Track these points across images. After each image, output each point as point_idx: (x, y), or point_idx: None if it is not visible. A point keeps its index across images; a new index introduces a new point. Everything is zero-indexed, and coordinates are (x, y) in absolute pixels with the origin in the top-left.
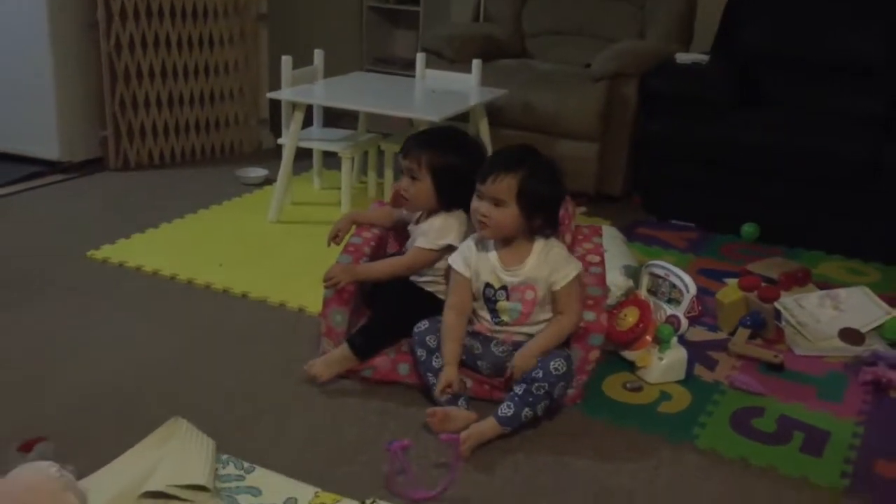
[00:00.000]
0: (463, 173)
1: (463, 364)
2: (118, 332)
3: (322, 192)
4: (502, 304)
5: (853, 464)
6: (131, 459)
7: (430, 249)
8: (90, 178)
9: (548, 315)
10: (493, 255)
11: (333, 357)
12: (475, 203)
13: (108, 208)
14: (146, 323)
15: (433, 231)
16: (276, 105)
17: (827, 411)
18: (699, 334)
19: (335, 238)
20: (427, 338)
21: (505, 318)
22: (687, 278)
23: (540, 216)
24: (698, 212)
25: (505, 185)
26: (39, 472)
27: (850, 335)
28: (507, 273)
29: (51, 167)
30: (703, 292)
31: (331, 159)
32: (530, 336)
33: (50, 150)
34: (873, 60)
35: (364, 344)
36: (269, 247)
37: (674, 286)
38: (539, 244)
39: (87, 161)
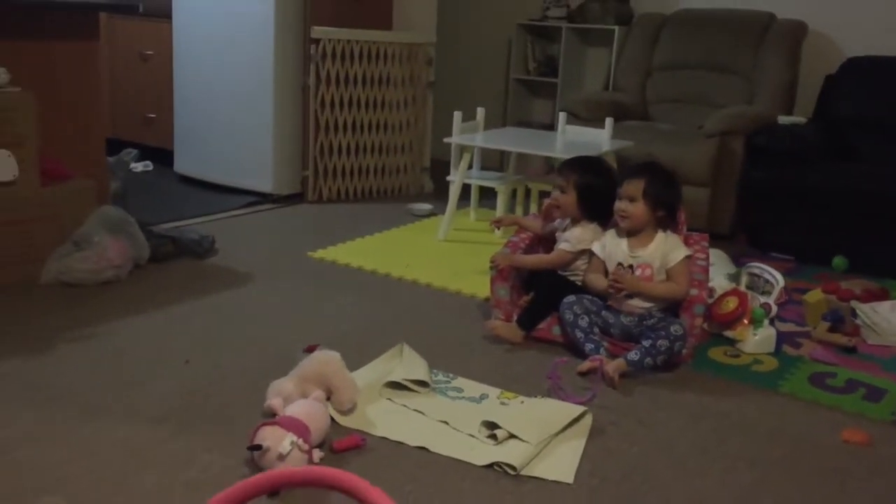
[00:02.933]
0: (599, 190)
1: (601, 331)
2: (341, 304)
3: (477, 223)
4: None
5: None
6: (375, 365)
7: (570, 252)
8: (293, 207)
9: None
10: (623, 242)
11: (508, 328)
12: (617, 203)
13: (313, 228)
14: (360, 300)
15: (574, 239)
16: (435, 157)
17: (888, 378)
18: (788, 328)
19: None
20: (574, 306)
21: None
22: (777, 274)
23: (662, 209)
24: (795, 246)
25: (634, 186)
26: (331, 353)
27: None
28: (632, 254)
29: (263, 198)
30: (793, 303)
31: (483, 200)
32: (648, 308)
33: (265, 184)
34: None
35: (527, 321)
36: (441, 256)
37: (767, 281)
38: (660, 235)
39: (290, 195)
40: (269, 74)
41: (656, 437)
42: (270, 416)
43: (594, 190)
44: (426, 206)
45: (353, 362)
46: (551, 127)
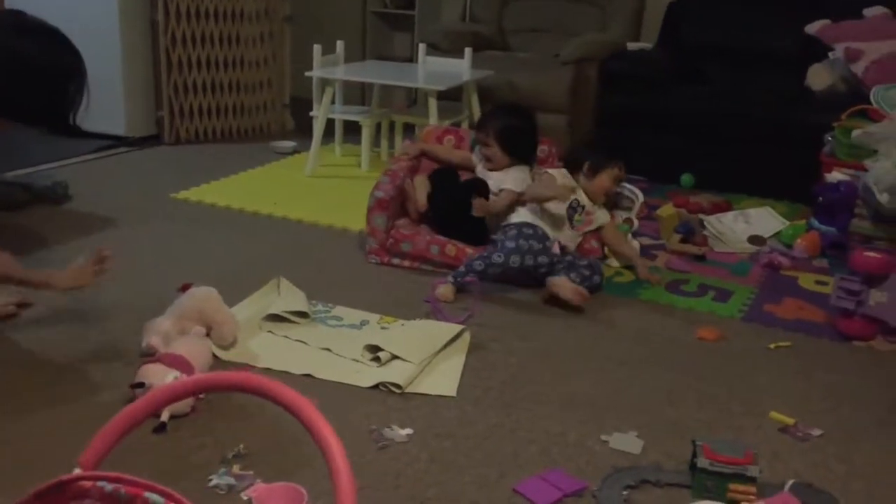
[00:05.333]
0: (518, 130)
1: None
2: (211, 243)
3: (343, 157)
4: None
5: (748, 306)
6: (252, 300)
7: (516, 191)
8: (150, 150)
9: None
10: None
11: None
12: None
13: (173, 170)
14: (231, 238)
15: (513, 181)
16: (295, 95)
17: (735, 281)
18: (645, 241)
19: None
20: (531, 240)
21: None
22: (637, 190)
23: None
24: (647, 167)
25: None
26: (208, 289)
27: (756, 239)
28: (592, 202)
29: (118, 141)
30: (648, 219)
31: (347, 135)
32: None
33: (117, 127)
34: (787, 51)
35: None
36: (309, 192)
37: (627, 198)
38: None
39: (146, 137)
40: (114, 7)
41: (533, 348)
42: (150, 355)
43: (513, 131)
44: (289, 144)
45: (230, 299)
46: (411, 60)
